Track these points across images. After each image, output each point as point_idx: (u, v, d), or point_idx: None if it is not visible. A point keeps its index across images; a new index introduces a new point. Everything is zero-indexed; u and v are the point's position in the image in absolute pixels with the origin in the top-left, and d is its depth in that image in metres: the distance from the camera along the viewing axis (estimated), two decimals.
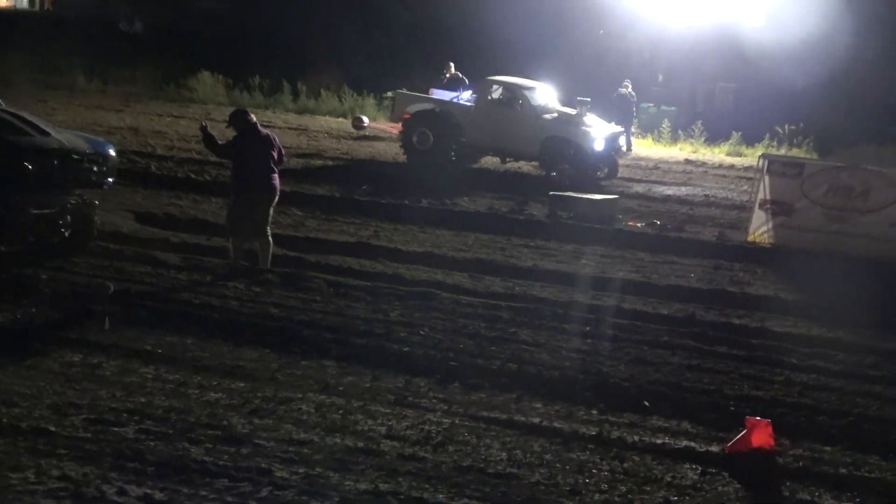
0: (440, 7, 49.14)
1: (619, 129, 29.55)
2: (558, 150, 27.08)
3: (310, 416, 9.78)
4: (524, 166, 28.87)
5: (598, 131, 27.46)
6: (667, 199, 25.75)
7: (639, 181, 28.35)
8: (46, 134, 14.47)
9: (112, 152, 15.30)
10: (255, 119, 15.29)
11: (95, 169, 14.81)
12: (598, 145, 27.12)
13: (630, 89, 34.62)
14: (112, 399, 9.79)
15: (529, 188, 24.96)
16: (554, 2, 45.76)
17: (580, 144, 27.03)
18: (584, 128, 27.31)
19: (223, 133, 16.12)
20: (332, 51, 48.11)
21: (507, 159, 29.01)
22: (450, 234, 19.11)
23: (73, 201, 14.84)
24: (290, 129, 34.31)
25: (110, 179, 15.33)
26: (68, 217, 14.78)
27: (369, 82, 42.47)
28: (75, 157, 14.54)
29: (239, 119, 15.16)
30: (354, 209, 20.76)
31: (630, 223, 21.50)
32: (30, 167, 13.76)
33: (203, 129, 15.33)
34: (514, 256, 17.70)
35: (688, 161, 34.29)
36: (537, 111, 27.77)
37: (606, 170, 27.75)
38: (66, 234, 14.90)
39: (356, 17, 53.70)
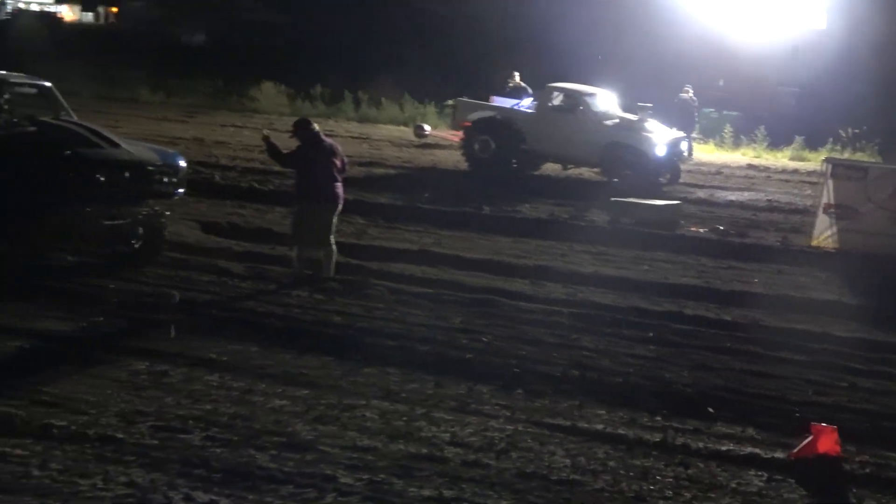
0: (500, 17, 49.16)
1: (681, 134, 29.37)
2: (620, 156, 26.95)
3: (373, 423, 9.81)
4: (585, 173, 28.78)
5: (660, 137, 27.31)
6: (729, 204, 25.62)
7: (701, 186, 28.22)
8: (117, 146, 14.59)
9: (182, 163, 15.40)
10: (317, 128, 15.38)
11: (166, 180, 14.91)
12: (660, 151, 26.97)
13: (691, 94, 34.48)
14: (178, 406, 9.87)
15: (590, 195, 24.89)
16: (614, 10, 45.64)
17: (642, 150, 26.88)
18: (645, 133, 27.17)
19: (286, 143, 16.19)
20: (392, 60, 48.25)
21: (569, 166, 28.93)
22: (510, 241, 19.10)
23: (143, 212, 14.97)
24: (351, 137, 34.45)
25: (180, 190, 15.42)
26: (139, 228, 14.93)
27: (430, 91, 42.55)
28: (146, 168, 14.64)
29: (302, 128, 15.24)
30: (416, 217, 20.81)
31: (692, 229, 21.39)
32: (102, 179, 13.90)
33: (266, 138, 15.42)
34: (574, 263, 17.65)
35: (750, 166, 34.11)
36: (598, 117, 27.66)
37: (668, 175, 27.64)
38: (137, 244, 15.06)
39: (416, 26, 53.86)
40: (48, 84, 16.09)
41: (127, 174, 14.31)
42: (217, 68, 50.73)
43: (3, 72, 16.95)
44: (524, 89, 31.33)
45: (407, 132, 37.45)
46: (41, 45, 56.59)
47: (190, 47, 68.02)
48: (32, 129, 14.62)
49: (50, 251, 14.41)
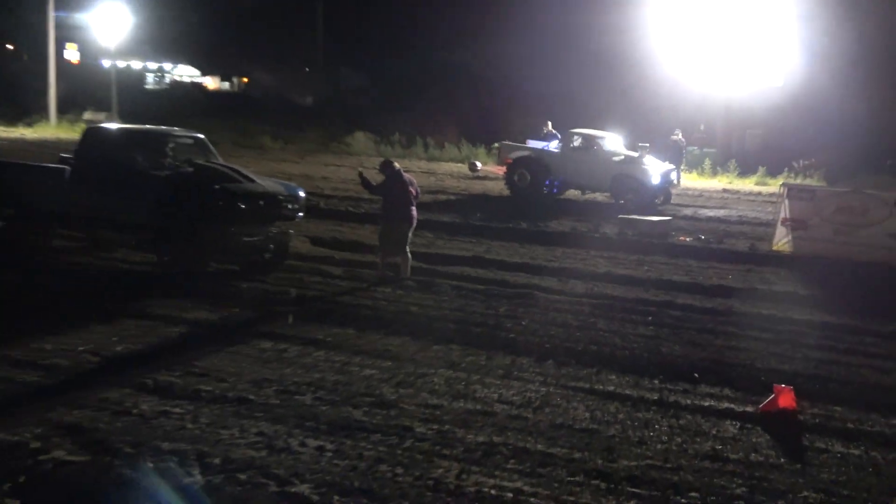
0: (536, 77, 49.20)
1: (671, 166, 29.30)
2: (624, 184, 27.02)
3: (440, 387, 9.82)
4: (598, 197, 28.67)
5: (655, 169, 27.32)
6: (709, 219, 25.41)
7: (687, 206, 28.02)
8: (253, 181, 14.68)
9: (301, 193, 15.40)
10: (398, 166, 15.43)
11: (290, 206, 14.95)
12: (655, 180, 27.01)
13: (680, 136, 34.32)
14: (294, 375, 9.94)
15: (602, 213, 24.77)
16: (620, 74, 45.52)
17: (641, 179, 26.94)
18: (643, 166, 27.18)
19: (374, 176, 16.24)
20: (453, 113, 48.38)
21: (586, 192, 28.97)
22: (542, 249, 19.04)
23: (273, 231, 15.06)
24: (421, 172, 34.52)
25: (301, 214, 15.46)
26: (269, 243, 15.03)
27: (480, 136, 42.63)
28: (275, 198, 14.70)
29: (387, 167, 15.33)
30: (471, 231, 20.81)
31: (681, 238, 21.23)
32: (242, 206, 14.03)
33: (360, 174, 15.57)
34: (592, 265, 17.57)
35: (725, 190, 33.84)
36: (608, 155, 27.71)
37: (662, 198, 27.50)
38: (267, 256, 15.16)
39: (470, 87, 54.00)
40: (201, 135, 16.28)
41: (261, 202, 14.38)
42: (321, 122, 51.10)
43: (166, 127, 17.18)
44: (554, 134, 31.40)
45: (463, 168, 37.47)
46: (191, 108, 57.45)
47: (301, 106, 68.56)
48: (190, 169, 14.79)
49: (204, 262, 14.49)
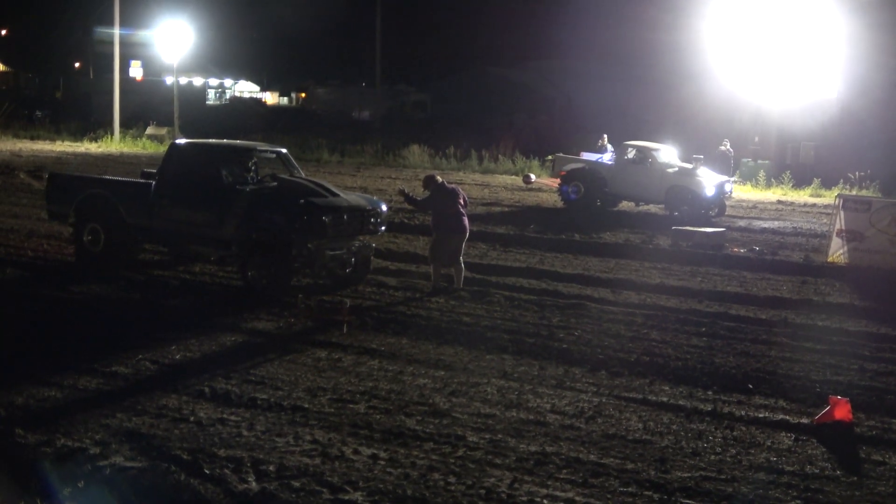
0: (586, 94, 49.04)
1: (726, 178, 28.98)
2: (679, 195, 26.80)
3: (493, 396, 9.76)
4: (652, 208, 28.41)
5: (709, 180, 27.06)
6: (763, 230, 25.05)
7: (741, 217, 27.65)
8: (337, 195, 14.63)
9: (384, 208, 15.33)
10: (440, 179, 15.39)
11: (373, 220, 14.88)
12: (710, 191, 26.75)
13: (728, 146, 33.94)
14: (349, 384, 9.94)
15: (655, 225, 24.52)
16: (674, 88, 45.19)
17: (696, 191, 26.71)
18: (698, 178, 26.95)
19: (419, 193, 16.19)
20: (507, 127, 48.39)
21: (640, 204, 28.76)
22: (596, 260, 18.88)
23: (356, 245, 14.98)
24: (476, 184, 34.50)
25: (383, 228, 15.42)
26: (352, 257, 14.96)
27: (535, 148, 42.54)
28: (360, 212, 14.63)
29: (430, 182, 15.28)
30: (524, 242, 20.68)
31: (735, 249, 20.93)
32: (327, 221, 13.96)
33: (401, 192, 15.51)
34: (645, 276, 17.38)
35: (779, 202, 33.36)
36: (663, 167, 27.51)
37: (716, 209, 27.22)
38: (349, 270, 14.98)
39: (525, 102, 53.98)
40: (284, 150, 16.35)
41: (345, 216, 14.28)
42: (378, 136, 51.36)
43: (249, 142, 17.26)
44: (609, 148, 31.28)
45: (517, 180, 37.36)
46: (252, 122, 58.07)
47: (358, 121, 69.01)
48: (274, 184, 14.82)
49: (289, 277, 14.30)
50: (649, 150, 28.36)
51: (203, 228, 14.66)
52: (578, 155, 30.62)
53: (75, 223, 15.76)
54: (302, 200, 13.99)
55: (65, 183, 16.89)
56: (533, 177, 35.77)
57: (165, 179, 15.13)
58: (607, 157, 29.30)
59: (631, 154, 28.31)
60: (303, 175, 15.78)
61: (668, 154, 28.62)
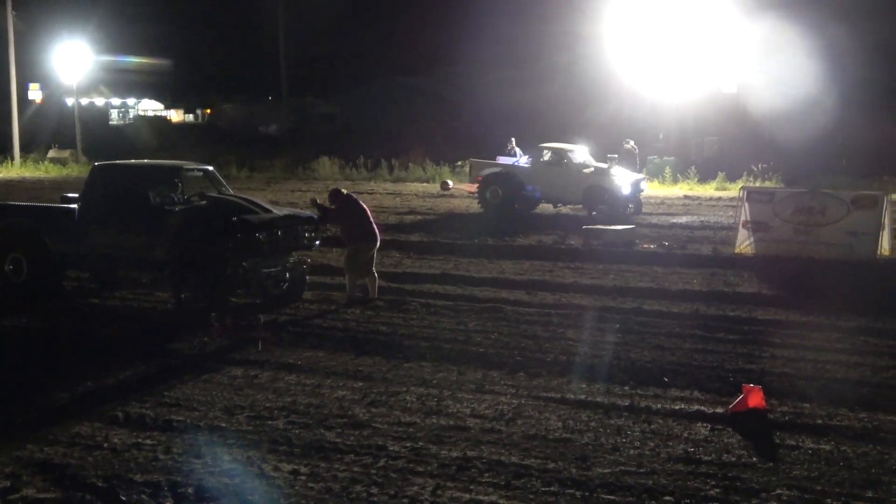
0: (494, 97, 49.33)
1: (641, 176, 29.46)
2: (597, 195, 27.24)
3: (413, 404, 9.72)
4: (571, 209, 28.63)
5: (625, 179, 27.51)
6: (672, 225, 25.50)
7: (650, 214, 28.09)
8: (269, 211, 14.40)
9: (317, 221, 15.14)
10: (346, 191, 15.31)
11: (307, 236, 14.71)
12: (626, 190, 27.25)
13: (633, 145, 34.54)
14: (266, 400, 9.81)
15: (569, 225, 24.76)
16: (576, 87, 45.71)
17: (612, 190, 27.16)
18: (614, 177, 27.38)
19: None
20: (416, 135, 48.46)
21: (558, 205, 29.01)
22: (510, 263, 18.97)
23: (291, 261, 14.74)
24: (388, 193, 34.50)
25: (317, 242, 15.20)
26: (287, 274, 14.71)
27: (445, 155, 42.67)
28: (294, 228, 14.42)
29: (336, 195, 15.20)
30: (438, 249, 20.71)
31: (645, 245, 21.25)
32: (261, 237, 13.70)
33: (313, 201, 15.46)
34: (559, 276, 17.53)
35: (686, 196, 34.01)
36: (579, 167, 27.91)
37: (633, 207, 27.61)
38: (285, 286, 14.79)
39: (432, 109, 54.10)
40: (210, 168, 16.02)
41: (279, 232, 14.05)
42: (286, 149, 51.03)
43: (175, 161, 16.86)
44: (518, 151, 31.51)
45: (430, 188, 37.44)
46: (156, 141, 57.17)
47: (266, 135, 68.47)
48: (203, 202, 14.51)
49: (224, 297, 14.07)
50: (564, 151, 28.71)
51: (132, 252, 14.23)
52: (495, 159, 30.81)
53: None
54: (234, 218, 13.73)
55: None
56: (451, 183, 35.84)
57: (89, 203, 14.66)
58: (523, 161, 29.52)
59: (547, 156, 28.63)
60: (231, 192, 15.51)
61: (582, 154, 28.99)
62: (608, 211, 26.43)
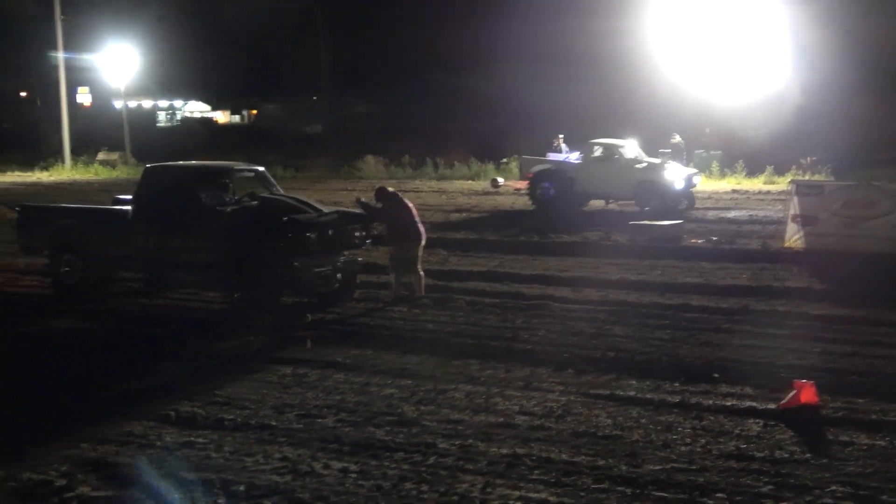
0: (535, 94, 49.20)
1: (694, 170, 29.21)
2: (649, 190, 26.92)
3: (461, 402, 9.73)
4: (622, 205, 28.39)
5: (678, 174, 27.27)
6: (720, 220, 25.30)
7: (697, 209, 27.85)
8: (320, 210, 14.45)
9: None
10: (392, 189, 15.33)
11: (357, 235, 14.73)
12: (679, 185, 27.00)
13: (679, 139, 34.16)
14: (315, 398, 9.86)
15: (615, 222, 24.62)
16: (620, 82, 45.41)
17: (665, 185, 26.90)
18: (666, 172, 27.15)
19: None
20: (458, 133, 48.44)
21: (610, 201, 28.80)
22: (555, 260, 18.92)
23: (341, 260, 14.80)
24: (432, 191, 34.55)
25: (368, 242, 15.20)
26: (338, 274, 14.77)
27: (488, 152, 42.63)
28: (344, 227, 14.45)
29: (381, 193, 15.25)
30: (484, 247, 20.70)
31: (692, 241, 21.09)
32: (311, 237, 13.73)
33: (358, 200, 15.51)
34: (605, 272, 17.44)
35: (734, 191, 33.71)
36: (631, 162, 27.72)
37: (686, 202, 27.39)
38: (336, 286, 14.82)
39: (475, 106, 54.07)
40: (261, 168, 16.09)
41: (330, 232, 14.06)
42: (330, 149, 51.25)
43: (226, 162, 17.00)
44: (563, 148, 31.43)
45: (474, 185, 37.43)
46: (203, 142, 57.72)
47: (310, 135, 68.84)
48: (254, 203, 14.59)
49: (275, 297, 14.12)
50: (615, 146, 28.54)
51: (184, 253, 14.27)
52: (545, 156, 30.75)
53: (50, 255, 15.33)
54: (285, 218, 13.77)
55: (37, 214, 16.43)
56: (501, 180, 35.77)
57: (141, 205, 14.78)
58: (574, 157, 29.39)
59: (598, 152, 28.47)
60: (282, 192, 15.60)
61: (633, 149, 28.78)
62: (661, 206, 26.16)
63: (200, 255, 14.11)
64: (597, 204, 28.97)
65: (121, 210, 15.28)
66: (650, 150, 30.35)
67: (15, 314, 14.63)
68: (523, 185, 30.27)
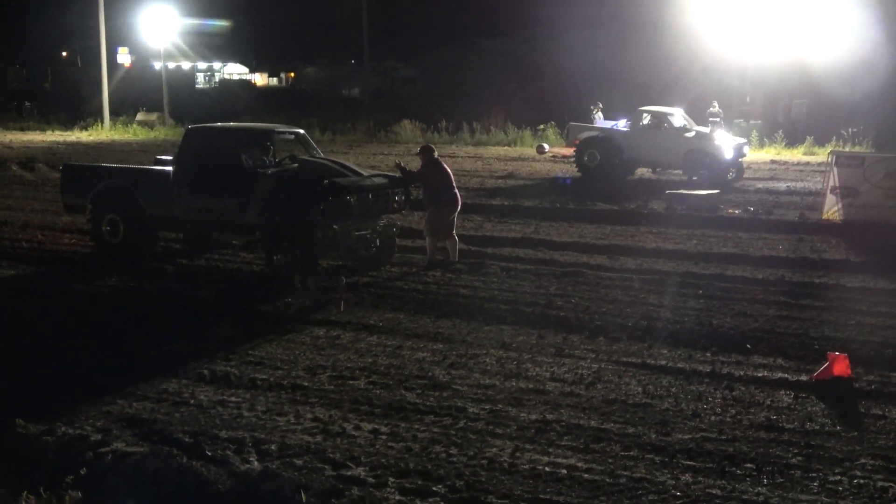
0: (580, 59, 48.71)
1: (743, 140, 28.86)
2: (698, 159, 26.56)
3: (492, 367, 9.77)
4: (671, 174, 28.13)
5: (727, 143, 26.95)
6: (758, 190, 25.06)
7: (735, 179, 27.56)
8: (360, 174, 14.47)
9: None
10: (436, 154, 15.32)
11: (396, 199, 14.75)
12: (728, 154, 26.64)
13: (717, 107, 33.64)
14: (348, 360, 9.95)
15: (652, 190, 24.49)
16: (664, 47, 44.84)
17: (714, 154, 26.53)
18: (716, 141, 26.83)
19: (413, 164, 16.15)
20: (497, 97, 48.17)
21: (657, 169, 28.57)
22: (592, 227, 18.86)
23: (381, 224, 14.84)
24: (469, 157, 34.44)
25: (407, 206, 15.26)
26: (377, 238, 14.82)
27: (526, 118, 42.40)
28: (384, 191, 14.46)
29: (426, 151, 15.25)
30: (519, 213, 20.66)
31: (730, 211, 20.92)
32: (352, 200, 13.75)
33: (397, 165, 15.47)
34: (641, 241, 17.37)
35: (773, 161, 33.33)
36: (679, 131, 27.38)
37: (734, 172, 27.11)
38: (374, 250, 14.88)
39: (514, 72, 53.69)
40: (302, 131, 16.11)
41: (370, 196, 14.07)
42: (369, 113, 51.19)
43: (268, 124, 17.03)
44: (596, 117, 31.15)
45: (511, 151, 37.28)
46: (241, 104, 57.87)
47: (349, 98, 68.81)
48: (295, 165, 14.62)
49: (315, 260, 14.12)
50: (664, 114, 28.24)
51: (225, 215, 14.36)
52: (592, 123, 30.48)
53: (92, 214, 15.44)
54: (326, 181, 13.79)
55: (80, 174, 16.62)
56: (546, 147, 35.49)
57: (183, 166, 14.84)
58: (622, 124, 29.14)
59: (646, 120, 28.19)
60: (322, 155, 15.57)
61: (680, 118, 28.45)
62: (709, 175, 25.87)
63: (240, 217, 14.18)
64: (643, 171, 28.79)
65: (162, 170, 15.37)
66: (695, 118, 29.95)
67: (63, 273, 14.78)
68: (570, 151, 30.05)
